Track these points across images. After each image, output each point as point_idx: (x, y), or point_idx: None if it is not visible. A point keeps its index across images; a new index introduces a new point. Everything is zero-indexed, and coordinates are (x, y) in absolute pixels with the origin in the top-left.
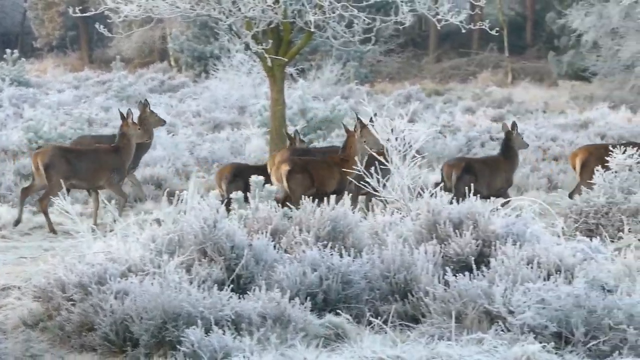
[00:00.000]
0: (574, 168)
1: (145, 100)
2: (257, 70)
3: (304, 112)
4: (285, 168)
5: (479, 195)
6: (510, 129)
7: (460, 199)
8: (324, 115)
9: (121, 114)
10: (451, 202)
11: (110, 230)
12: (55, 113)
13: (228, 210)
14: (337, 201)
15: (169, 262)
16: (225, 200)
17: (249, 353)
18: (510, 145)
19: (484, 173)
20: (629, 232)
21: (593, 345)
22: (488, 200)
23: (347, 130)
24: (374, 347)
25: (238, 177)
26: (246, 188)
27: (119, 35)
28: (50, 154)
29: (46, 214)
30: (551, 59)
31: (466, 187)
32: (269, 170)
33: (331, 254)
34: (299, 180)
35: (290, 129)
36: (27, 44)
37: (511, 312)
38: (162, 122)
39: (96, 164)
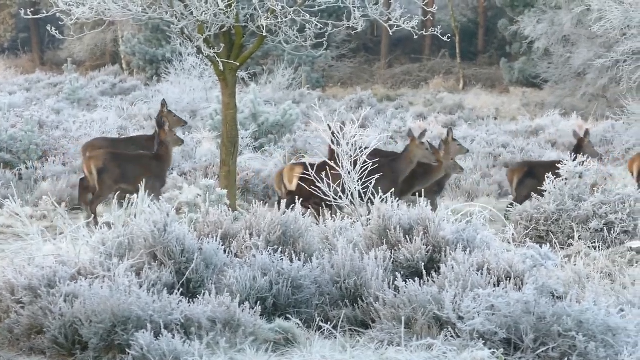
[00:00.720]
0: (632, 174)
1: (163, 100)
2: (208, 74)
3: (256, 117)
4: (299, 170)
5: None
6: (582, 137)
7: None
8: (275, 120)
9: (158, 122)
10: (512, 204)
11: (61, 233)
12: (6, 115)
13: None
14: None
15: (118, 265)
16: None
17: (198, 357)
18: (580, 152)
19: (549, 176)
20: (579, 239)
21: (542, 351)
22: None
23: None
24: (324, 352)
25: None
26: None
27: (70, 37)
28: (103, 158)
29: (95, 216)
30: (503, 65)
31: (528, 190)
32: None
33: (281, 259)
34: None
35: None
36: None
37: (461, 318)
38: (182, 123)
39: (141, 169)
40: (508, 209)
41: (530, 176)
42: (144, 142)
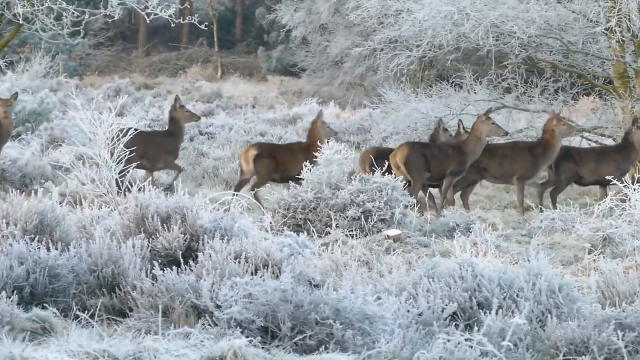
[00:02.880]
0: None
1: (177, 96)
2: None
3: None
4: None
5: (582, 181)
6: (632, 124)
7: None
8: (32, 108)
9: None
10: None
11: None
12: None
13: None
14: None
15: None
16: None
17: None
18: (629, 140)
19: (587, 160)
20: (337, 227)
21: (299, 339)
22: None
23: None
24: (81, 341)
25: (379, 159)
26: (388, 170)
27: None
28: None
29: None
30: (261, 54)
31: (567, 173)
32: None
33: (38, 248)
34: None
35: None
36: None
37: (218, 307)
38: (195, 118)
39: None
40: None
41: (565, 159)
42: None
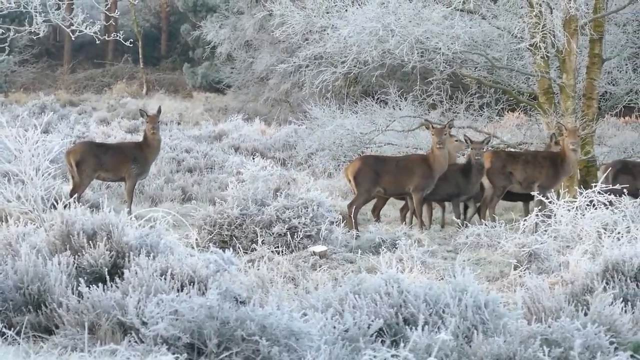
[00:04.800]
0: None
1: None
2: None
3: None
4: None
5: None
6: None
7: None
8: None
9: (141, 112)
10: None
11: None
12: None
13: None
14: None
15: None
16: None
17: None
18: None
19: None
20: (262, 243)
21: (226, 356)
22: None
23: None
24: (7, 358)
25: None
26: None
27: None
28: None
29: None
30: (186, 70)
31: (623, 186)
32: None
33: None
34: None
35: None
36: None
37: (144, 324)
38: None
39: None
40: None
41: (623, 172)
42: None
